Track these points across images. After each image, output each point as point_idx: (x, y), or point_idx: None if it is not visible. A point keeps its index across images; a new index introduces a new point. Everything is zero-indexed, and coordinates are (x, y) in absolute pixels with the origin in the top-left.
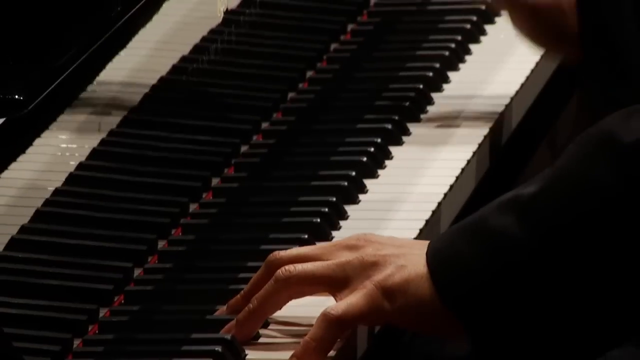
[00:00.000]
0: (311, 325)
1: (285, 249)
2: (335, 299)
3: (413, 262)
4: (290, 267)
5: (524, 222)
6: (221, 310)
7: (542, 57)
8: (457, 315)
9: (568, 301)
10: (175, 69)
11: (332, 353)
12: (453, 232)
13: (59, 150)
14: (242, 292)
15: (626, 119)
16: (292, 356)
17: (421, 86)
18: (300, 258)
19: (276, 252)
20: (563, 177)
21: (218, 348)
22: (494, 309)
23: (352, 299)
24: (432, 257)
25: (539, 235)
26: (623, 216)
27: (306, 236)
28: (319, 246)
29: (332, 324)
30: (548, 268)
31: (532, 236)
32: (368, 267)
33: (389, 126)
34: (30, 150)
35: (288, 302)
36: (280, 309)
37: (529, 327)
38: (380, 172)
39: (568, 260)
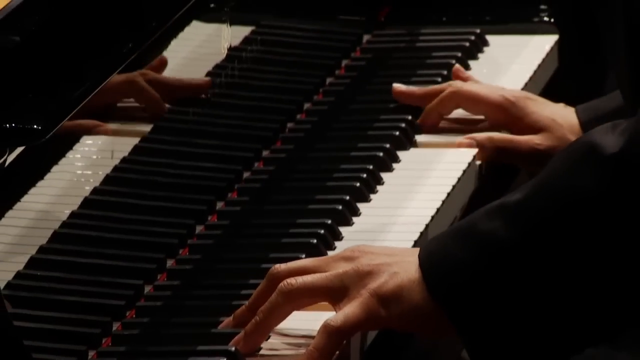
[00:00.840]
0: (309, 337)
1: None
2: (335, 309)
3: (405, 269)
4: (292, 281)
5: (512, 225)
6: (228, 321)
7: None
8: (448, 312)
9: (553, 299)
10: (182, 101)
11: None
12: (443, 236)
13: (75, 176)
14: (246, 304)
15: (609, 132)
16: None
17: (410, 117)
18: (299, 270)
19: (277, 265)
20: (548, 183)
21: (222, 359)
22: (483, 305)
23: (350, 309)
24: (425, 259)
25: (525, 236)
26: (604, 220)
27: (304, 256)
28: (317, 259)
29: (333, 334)
30: (534, 267)
31: (519, 237)
32: (363, 276)
33: (380, 154)
34: (48, 176)
35: (291, 313)
36: (284, 319)
37: (516, 323)
38: (372, 196)
39: (553, 259)
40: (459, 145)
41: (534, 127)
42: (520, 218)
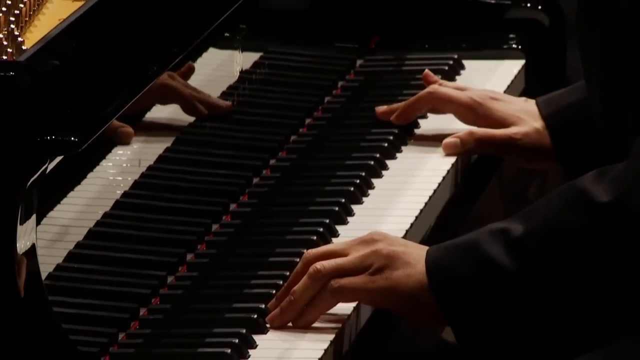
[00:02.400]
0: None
1: (289, 261)
2: None
3: (415, 263)
4: (319, 266)
5: (511, 255)
6: (272, 301)
7: None
8: (447, 315)
9: (540, 320)
10: (201, 117)
11: (326, 340)
12: (449, 246)
13: (108, 182)
14: (285, 284)
15: (598, 179)
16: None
17: (397, 130)
18: (328, 253)
19: (311, 250)
20: (544, 224)
21: (235, 340)
22: (477, 314)
23: (357, 279)
24: (431, 264)
25: (522, 268)
26: (592, 261)
27: (305, 250)
28: (343, 243)
29: (335, 291)
30: (528, 292)
31: (516, 268)
32: (381, 258)
33: (371, 162)
34: (84, 181)
35: (318, 292)
36: (312, 298)
37: (506, 332)
38: (364, 199)
39: (544, 288)
40: (445, 145)
41: (503, 125)
42: (519, 251)
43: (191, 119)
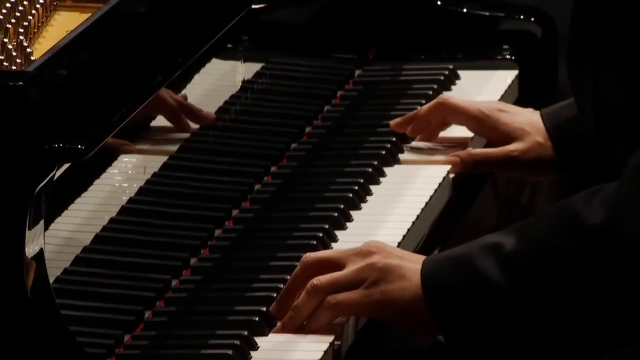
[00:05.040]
0: None
1: (290, 265)
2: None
3: (411, 275)
4: (317, 282)
5: (503, 271)
6: (273, 306)
7: None
8: (441, 327)
9: (529, 336)
10: (204, 126)
11: (325, 341)
12: (444, 259)
13: (114, 188)
14: (284, 287)
15: (589, 200)
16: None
17: (394, 139)
18: (325, 260)
19: (308, 254)
20: (535, 243)
21: (236, 342)
22: (470, 328)
23: (354, 294)
24: (425, 277)
25: (513, 285)
26: (581, 281)
27: None
28: (339, 251)
29: (331, 307)
30: (518, 308)
31: (507, 284)
32: (376, 271)
33: (369, 169)
34: (91, 188)
35: (317, 306)
36: (312, 313)
37: (496, 346)
38: (362, 205)
39: (533, 305)
40: (445, 162)
41: (508, 137)
42: (510, 268)
43: (195, 127)
